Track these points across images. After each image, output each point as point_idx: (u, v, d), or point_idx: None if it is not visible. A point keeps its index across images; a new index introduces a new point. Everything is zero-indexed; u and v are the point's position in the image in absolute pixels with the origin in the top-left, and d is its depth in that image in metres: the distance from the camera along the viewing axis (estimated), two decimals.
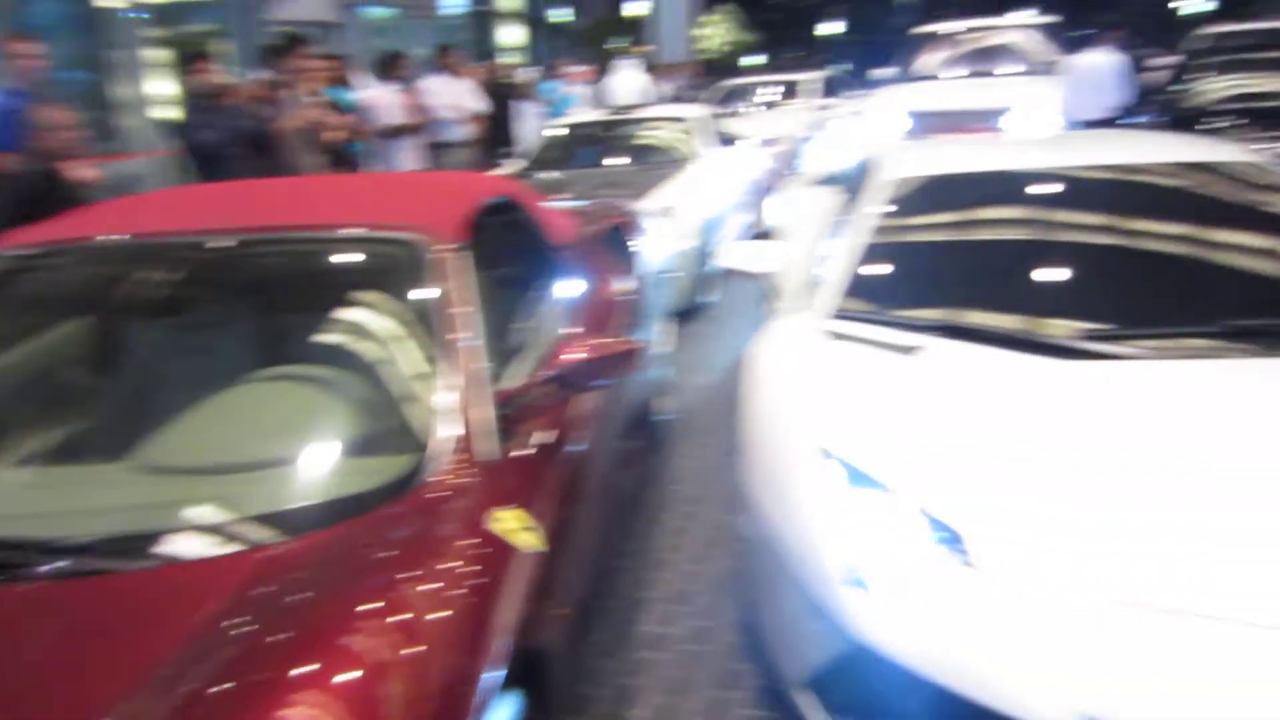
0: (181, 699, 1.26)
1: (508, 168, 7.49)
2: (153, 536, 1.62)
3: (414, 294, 2.16)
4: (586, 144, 7.70)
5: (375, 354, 2.13)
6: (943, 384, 2.34)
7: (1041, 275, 2.87)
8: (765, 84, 12.84)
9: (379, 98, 7.42)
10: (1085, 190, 3.20)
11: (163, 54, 10.17)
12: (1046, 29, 10.39)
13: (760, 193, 8.31)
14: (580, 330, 2.70)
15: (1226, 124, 7.17)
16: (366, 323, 2.20)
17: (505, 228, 2.84)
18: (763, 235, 6.30)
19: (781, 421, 2.30)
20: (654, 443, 4.02)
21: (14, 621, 1.48)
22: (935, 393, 2.31)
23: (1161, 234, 3.05)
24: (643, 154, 7.43)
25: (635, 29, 19.26)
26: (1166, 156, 3.32)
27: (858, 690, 1.96)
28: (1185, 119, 7.67)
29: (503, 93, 9.27)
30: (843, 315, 2.74)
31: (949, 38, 10.66)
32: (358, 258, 2.40)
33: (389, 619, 1.42)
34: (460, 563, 1.57)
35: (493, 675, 1.45)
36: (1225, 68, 8.67)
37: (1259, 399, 2.16)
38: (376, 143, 7.31)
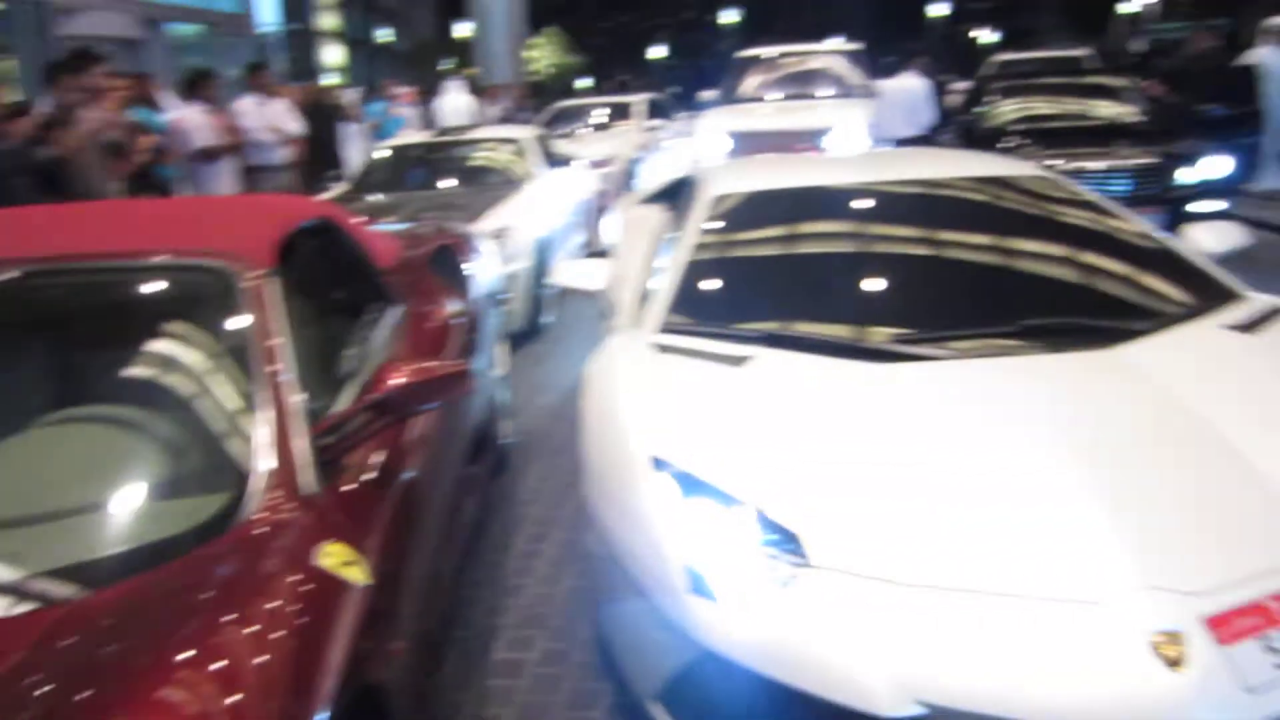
0: None
1: (334, 191, 7.24)
2: None
3: (221, 323, 2.04)
4: (417, 166, 7.55)
5: (181, 389, 1.99)
6: (770, 391, 2.41)
7: (858, 283, 3.02)
8: (596, 106, 13.00)
9: (188, 119, 7.03)
10: (896, 203, 3.39)
11: None
12: (856, 55, 11.02)
13: (595, 212, 8.39)
14: (404, 354, 2.62)
15: (1014, 144, 7.78)
16: (171, 356, 2.05)
17: (321, 251, 2.72)
18: (600, 254, 6.35)
19: (616, 436, 2.31)
20: (499, 467, 3.96)
21: None
22: (763, 400, 2.37)
23: (966, 243, 3.26)
24: (475, 175, 7.36)
25: (461, 50, 19.12)
26: (968, 172, 3.57)
27: (707, 697, 1.98)
28: (985, 138, 8.28)
29: (324, 114, 8.97)
30: (672, 329, 2.78)
31: (770, 61, 11.12)
32: (159, 287, 2.24)
33: (205, 666, 1.32)
34: (280, 602, 1.48)
35: (322, 717, 1.37)
36: (1009, 92, 9.43)
37: (1050, 392, 2.33)
38: (188, 166, 6.91)
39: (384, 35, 21.18)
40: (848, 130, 8.80)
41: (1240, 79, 9.39)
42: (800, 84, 10.61)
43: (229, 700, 1.29)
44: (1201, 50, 10.62)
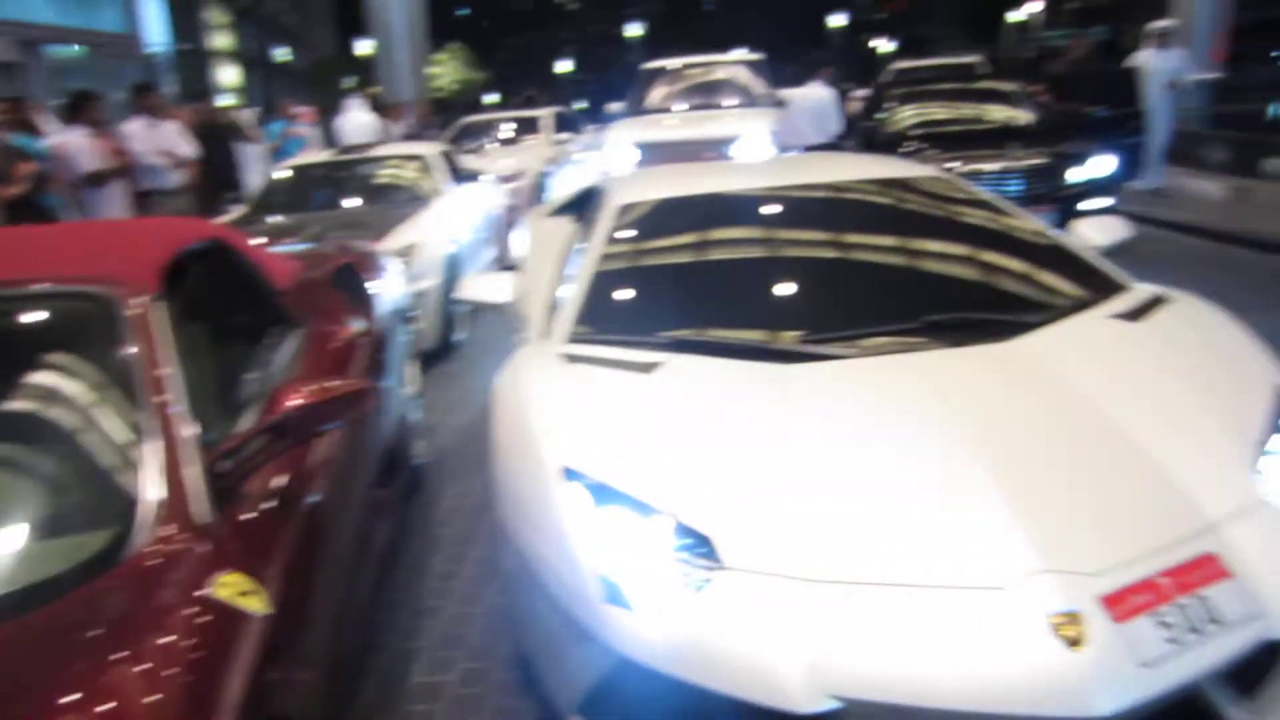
0: None
1: (232, 214, 7.02)
2: None
3: (105, 351, 1.94)
4: (320, 185, 7.39)
5: (63, 422, 1.89)
6: (680, 397, 2.41)
7: (765, 286, 3.05)
8: (504, 120, 12.93)
9: (72, 143, 6.74)
10: (800, 207, 3.45)
11: None
12: (758, 65, 11.21)
13: (505, 227, 8.33)
14: (305, 375, 2.54)
15: (913, 148, 8.00)
16: (52, 387, 1.95)
17: (212, 274, 2.63)
18: (511, 268, 6.32)
19: (526, 448, 2.28)
20: (413, 487, 3.88)
21: None
22: (674, 405, 2.37)
23: (869, 244, 3.33)
24: (380, 193, 7.24)
25: (363, 68, 18.81)
26: (870, 175, 3.65)
27: (627, 706, 1.97)
28: (886, 144, 8.49)
29: (219, 135, 8.71)
30: (581, 339, 2.77)
31: (676, 73, 11.23)
32: (38, 316, 2.13)
33: (93, 708, 1.26)
34: (174, 636, 1.42)
35: None
36: (906, 99, 9.72)
37: (951, 386, 2.39)
38: (71, 193, 6.62)
39: (282, 54, 20.67)
40: (754, 139, 8.93)
41: (1122, 82, 9.86)
42: (706, 94, 10.73)
43: None
44: (1081, 56, 11.12)
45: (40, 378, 1.96)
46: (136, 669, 1.34)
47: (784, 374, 2.45)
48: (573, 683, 2.06)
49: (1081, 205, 7.10)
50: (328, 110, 11.93)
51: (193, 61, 17.45)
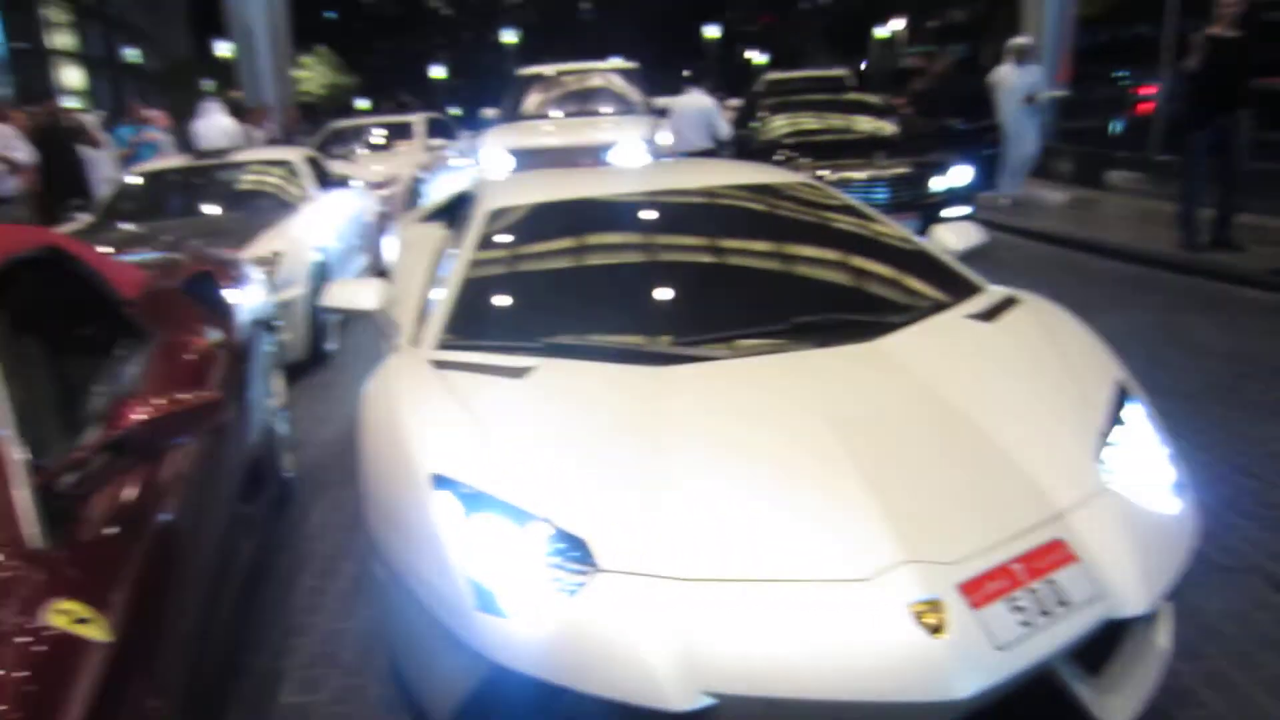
0: None
1: (78, 222, 6.60)
2: None
3: None
4: (176, 192, 7.05)
5: None
6: (553, 401, 2.39)
7: (637, 290, 3.06)
8: (375, 126, 12.63)
9: None
10: (672, 211, 3.48)
11: None
12: (633, 73, 11.30)
13: (376, 233, 8.12)
14: (154, 388, 2.40)
15: (785, 157, 8.23)
16: None
17: (46, 284, 2.45)
18: (383, 275, 6.16)
19: (395, 456, 2.22)
20: (281, 502, 3.72)
21: None
22: (546, 410, 2.35)
23: (740, 248, 3.39)
24: (243, 200, 6.95)
25: (223, 70, 18.01)
26: (741, 180, 3.72)
27: (500, 715, 1.93)
28: (759, 152, 8.70)
29: (61, 139, 8.18)
30: (451, 345, 2.72)
31: (552, 79, 11.20)
32: None
33: None
34: (2, 670, 1.30)
35: None
36: (778, 109, 9.99)
37: (817, 385, 2.45)
38: None
39: (132, 55, 19.53)
40: (630, 146, 9.00)
41: (980, 96, 10.39)
42: (582, 101, 10.76)
43: None
44: (941, 71, 11.66)
45: None
46: None
47: (656, 376, 2.46)
48: (446, 693, 2.01)
49: (943, 213, 7.45)
50: (184, 114, 11.37)
51: (30, 62, 16.30)
